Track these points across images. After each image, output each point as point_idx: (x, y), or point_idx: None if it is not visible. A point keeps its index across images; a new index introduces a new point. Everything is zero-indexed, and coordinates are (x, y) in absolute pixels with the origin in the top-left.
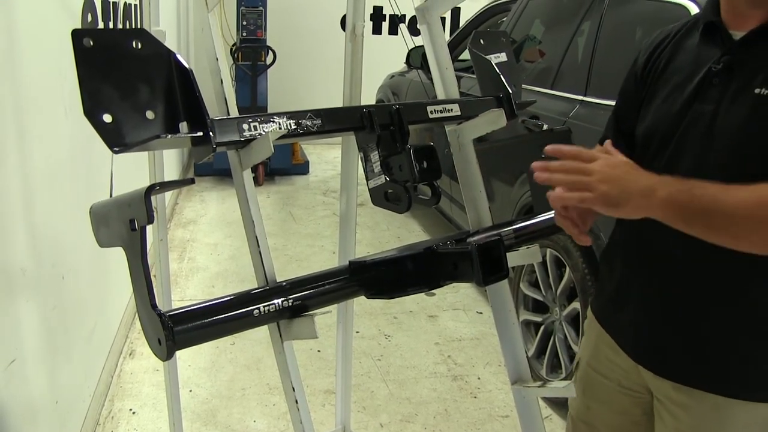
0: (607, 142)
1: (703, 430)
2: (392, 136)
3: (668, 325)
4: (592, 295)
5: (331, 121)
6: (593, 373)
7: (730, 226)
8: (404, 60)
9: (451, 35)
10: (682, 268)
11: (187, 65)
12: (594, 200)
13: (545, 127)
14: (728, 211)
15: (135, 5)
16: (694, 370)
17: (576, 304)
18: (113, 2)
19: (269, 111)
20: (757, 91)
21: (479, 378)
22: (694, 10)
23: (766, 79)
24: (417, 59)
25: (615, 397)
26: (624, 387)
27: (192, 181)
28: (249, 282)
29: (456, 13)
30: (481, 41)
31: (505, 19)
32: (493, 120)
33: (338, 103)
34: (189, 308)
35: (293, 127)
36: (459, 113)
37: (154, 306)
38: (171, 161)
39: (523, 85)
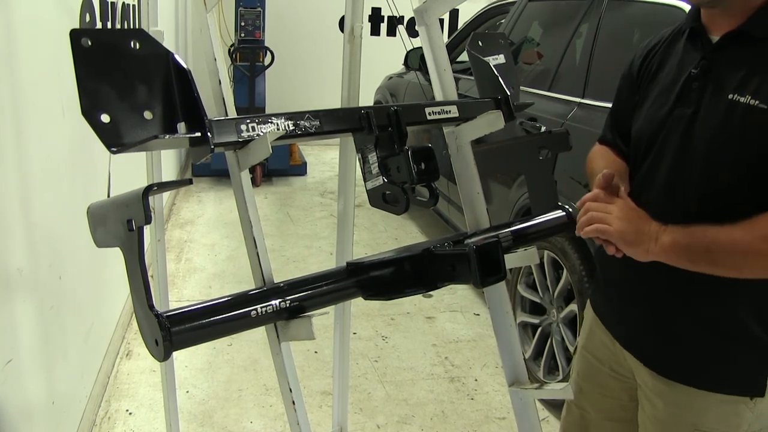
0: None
1: (677, 417)
2: (390, 138)
3: (649, 317)
4: (592, 287)
5: (330, 122)
6: (588, 356)
7: (731, 262)
8: (402, 61)
9: (449, 37)
10: (663, 265)
11: (185, 65)
12: (612, 233)
13: (543, 128)
14: (727, 250)
15: (133, 5)
16: (670, 361)
17: (573, 306)
18: (111, 2)
19: (267, 112)
20: (730, 96)
21: (476, 380)
22: None
23: (739, 85)
24: (415, 61)
25: (606, 380)
26: (614, 371)
27: (190, 182)
28: (246, 283)
29: (454, 14)
30: (480, 43)
31: (503, 21)
32: (491, 122)
33: (336, 104)
34: (186, 309)
35: (291, 128)
36: (457, 115)
37: (151, 306)
38: (169, 161)
39: (521, 87)
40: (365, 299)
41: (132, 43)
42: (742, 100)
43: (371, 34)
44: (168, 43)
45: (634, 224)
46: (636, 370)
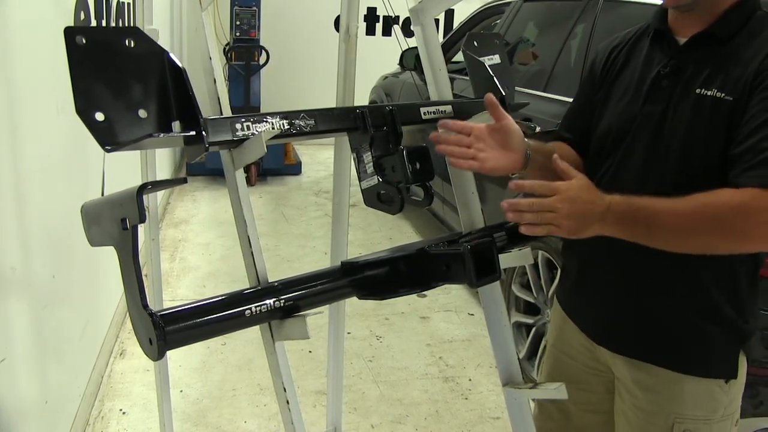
0: (563, 163)
1: (657, 405)
2: (385, 137)
3: (624, 307)
4: (558, 285)
5: (325, 122)
6: (560, 354)
7: (668, 235)
8: (397, 61)
9: (444, 37)
10: (634, 254)
11: (180, 64)
12: (560, 233)
13: (538, 129)
14: (665, 222)
15: (128, 3)
16: (648, 347)
17: None
18: (106, 0)
19: (262, 111)
20: (697, 91)
21: (470, 379)
22: None
23: (705, 80)
24: (410, 60)
25: (581, 376)
26: (588, 366)
27: (184, 181)
28: (240, 282)
29: (450, 14)
30: (475, 43)
31: (498, 21)
32: (485, 121)
33: (331, 103)
34: (180, 308)
35: (286, 127)
36: (452, 114)
37: (145, 305)
38: (163, 160)
39: (516, 88)
40: (359, 299)
41: (127, 42)
42: (708, 93)
43: (367, 34)
44: (163, 42)
45: (579, 219)
46: (613, 364)
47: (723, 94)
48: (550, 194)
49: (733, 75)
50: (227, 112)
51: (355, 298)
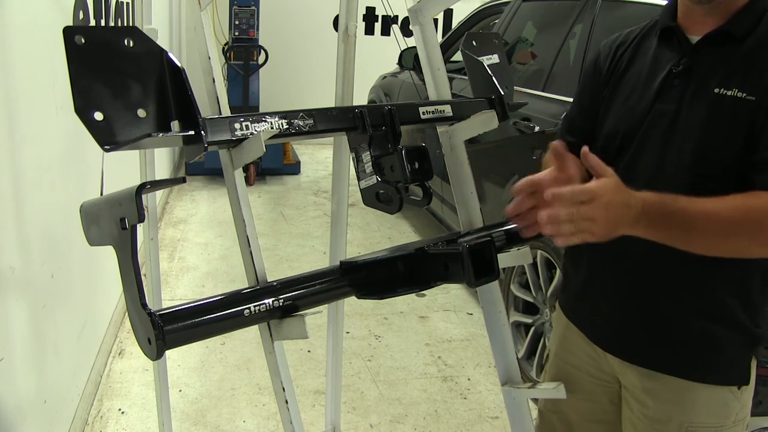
0: (593, 158)
1: (668, 413)
2: (384, 137)
3: (634, 314)
4: (559, 291)
5: (324, 122)
6: (563, 364)
7: (704, 239)
8: (396, 61)
9: (443, 37)
10: (644, 260)
11: (179, 64)
12: (592, 239)
13: (537, 128)
14: (701, 226)
15: (127, 3)
16: (660, 355)
17: None
18: (105, 0)
19: (261, 111)
20: (716, 90)
21: (469, 379)
22: None
23: (723, 80)
24: (409, 60)
25: (585, 386)
26: (593, 376)
27: (183, 180)
28: (239, 282)
29: (448, 14)
30: (474, 43)
31: (497, 21)
32: (485, 121)
33: (330, 103)
34: (179, 308)
35: (285, 126)
36: (451, 114)
37: (144, 305)
38: (162, 160)
39: (515, 87)
40: (358, 298)
41: (126, 41)
42: (728, 93)
43: (365, 34)
44: (162, 42)
45: (612, 226)
46: (621, 373)
47: (744, 94)
48: (588, 200)
49: (753, 74)
50: (226, 111)
51: (354, 298)
